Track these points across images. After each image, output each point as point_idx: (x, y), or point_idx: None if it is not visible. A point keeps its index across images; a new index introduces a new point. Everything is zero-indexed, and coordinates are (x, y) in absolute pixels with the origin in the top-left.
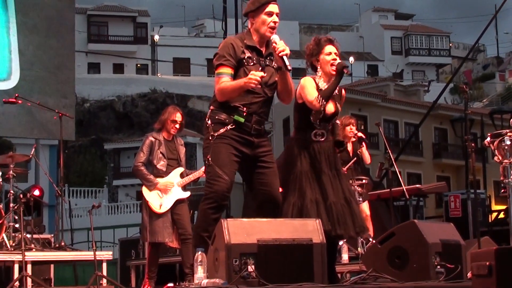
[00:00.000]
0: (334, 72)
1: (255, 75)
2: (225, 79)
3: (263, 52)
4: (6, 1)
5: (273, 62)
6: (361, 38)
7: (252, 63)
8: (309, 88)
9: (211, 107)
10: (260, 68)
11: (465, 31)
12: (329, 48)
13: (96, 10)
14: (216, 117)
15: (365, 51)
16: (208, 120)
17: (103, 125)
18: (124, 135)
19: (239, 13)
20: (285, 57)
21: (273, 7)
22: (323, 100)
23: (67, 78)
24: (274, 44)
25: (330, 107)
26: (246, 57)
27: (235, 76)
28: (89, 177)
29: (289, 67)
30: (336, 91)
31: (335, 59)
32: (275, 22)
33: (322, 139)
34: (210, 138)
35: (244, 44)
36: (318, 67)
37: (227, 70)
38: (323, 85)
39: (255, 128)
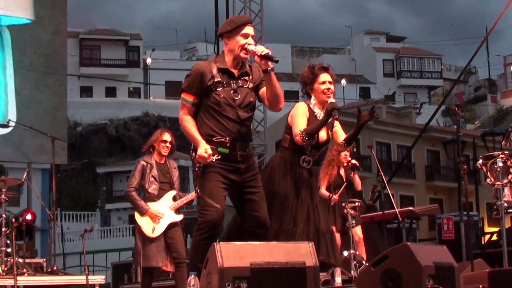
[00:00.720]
0: (327, 99)
1: (204, 157)
2: (185, 110)
3: (235, 74)
4: (2, 40)
5: (248, 82)
6: (353, 60)
7: (221, 87)
8: (299, 117)
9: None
10: (232, 91)
11: (456, 54)
12: (323, 77)
13: (88, 33)
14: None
15: (357, 74)
16: (192, 152)
17: (96, 149)
18: (116, 159)
19: None
20: (268, 55)
21: (249, 29)
22: (306, 137)
23: (59, 103)
24: (253, 49)
25: (323, 135)
26: (214, 82)
27: (204, 100)
28: (82, 201)
29: (276, 58)
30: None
31: (329, 89)
32: (249, 44)
33: (308, 166)
34: (197, 169)
35: (216, 67)
36: (312, 96)
37: (189, 98)
38: (318, 112)
39: (240, 155)
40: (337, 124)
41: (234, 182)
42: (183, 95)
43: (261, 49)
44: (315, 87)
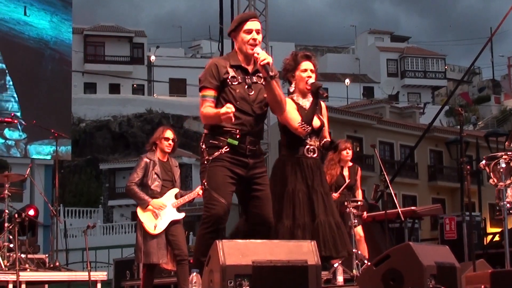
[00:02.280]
0: (308, 89)
1: (227, 108)
2: (208, 103)
3: (250, 70)
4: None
5: (262, 79)
6: (357, 60)
7: (236, 82)
8: (290, 113)
9: (205, 131)
10: (246, 86)
11: (460, 54)
12: (305, 65)
13: (93, 30)
14: (210, 141)
15: (361, 73)
16: (202, 144)
17: (99, 145)
18: (119, 155)
19: None
20: (267, 66)
21: (251, 24)
22: (307, 126)
23: (63, 99)
24: (256, 55)
25: (316, 121)
26: (230, 76)
27: (221, 96)
28: (84, 197)
29: (271, 73)
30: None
31: (310, 77)
32: (254, 39)
33: (315, 155)
34: (206, 162)
35: (229, 63)
36: (293, 83)
37: (210, 93)
38: (303, 102)
39: (249, 149)
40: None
41: (241, 177)
42: (203, 92)
43: (263, 57)
44: (296, 74)
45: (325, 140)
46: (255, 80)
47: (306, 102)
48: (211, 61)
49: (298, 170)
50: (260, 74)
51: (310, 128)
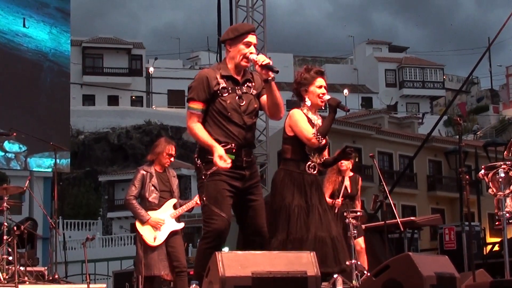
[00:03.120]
0: (321, 104)
1: (224, 164)
2: (196, 119)
3: (239, 80)
4: None
5: (251, 89)
6: (355, 70)
7: (227, 93)
8: (303, 123)
9: (199, 146)
10: (236, 97)
11: (459, 64)
12: (320, 81)
13: (91, 42)
14: (207, 156)
15: (359, 83)
16: (197, 159)
17: (98, 157)
18: (118, 167)
19: None
20: (269, 65)
21: (251, 38)
22: (321, 138)
23: (62, 111)
24: (254, 58)
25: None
26: (220, 88)
27: (211, 107)
28: (83, 209)
29: (276, 69)
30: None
31: (324, 93)
32: (251, 53)
33: (314, 172)
34: (203, 177)
35: (220, 74)
36: (306, 98)
37: (198, 106)
38: (313, 118)
39: (246, 161)
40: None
41: (238, 189)
42: (191, 104)
43: (262, 59)
44: (310, 89)
45: (325, 158)
46: (245, 91)
47: (315, 117)
48: (202, 73)
49: (297, 185)
50: (250, 84)
51: (324, 141)
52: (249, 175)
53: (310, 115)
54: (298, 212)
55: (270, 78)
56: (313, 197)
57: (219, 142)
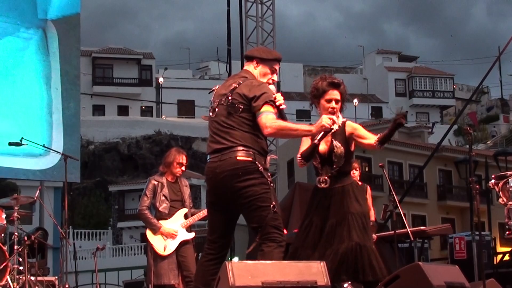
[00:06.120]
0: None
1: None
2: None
3: None
4: (47, 41)
5: None
6: (365, 80)
7: None
8: (302, 142)
9: (253, 149)
10: None
11: (469, 73)
12: (330, 94)
13: (101, 52)
14: (263, 162)
15: (369, 93)
16: (258, 164)
17: (108, 167)
18: (128, 177)
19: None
20: (282, 111)
21: (277, 67)
22: (304, 161)
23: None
24: (274, 96)
25: (322, 148)
26: None
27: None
28: (94, 219)
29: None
30: (337, 127)
31: (334, 108)
32: (273, 80)
33: (326, 185)
34: (271, 184)
35: None
36: (318, 110)
37: (273, 110)
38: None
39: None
40: (358, 127)
41: None
42: (271, 108)
43: (280, 101)
44: (321, 102)
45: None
46: None
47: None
48: (267, 84)
49: (314, 201)
50: None
51: (305, 163)
52: None
53: None
54: (313, 226)
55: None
56: (318, 214)
57: (265, 149)
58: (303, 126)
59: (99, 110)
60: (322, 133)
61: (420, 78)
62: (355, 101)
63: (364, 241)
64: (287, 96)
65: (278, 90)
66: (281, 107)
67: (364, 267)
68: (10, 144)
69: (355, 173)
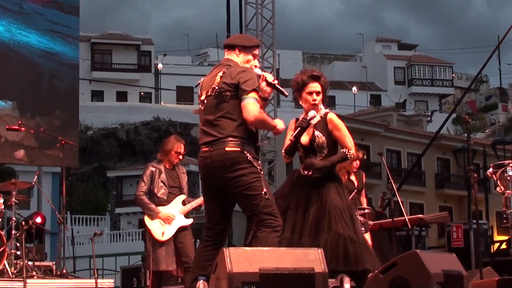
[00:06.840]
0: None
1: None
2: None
3: None
4: None
5: None
6: (364, 68)
7: None
8: (286, 136)
9: (241, 138)
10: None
11: (468, 62)
12: (311, 87)
13: (100, 38)
14: (252, 151)
15: (368, 81)
16: (246, 153)
17: (106, 153)
18: (127, 163)
19: None
20: (276, 85)
21: (257, 51)
22: (287, 155)
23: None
24: (262, 74)
25: (304, 139)
26: None
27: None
28: (92, 204)
29: (286, 94)
30: (319, 117)
31: (314, 100)
32: (256, 66)
33: (310, 173)
34: (261, 172)
35: None
36: (301, 103)
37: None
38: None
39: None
40: (339, 128)
41: None
42: (256, 95)
43: (271, 78)
44: (302, 95)
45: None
46: None
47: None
48: (252, 69)
49: (297, 187)
50: None
51: (290, 158)
52: None
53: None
54: (295, 213)
55: (270, 98)
56: (302, 200)
57: (255, 136)
58: (280, 125)
59: (97, 95)
60: (298, 129)
61: (419, 66)
62: (354, 88)
63: (348, 233)
64: (286, 84)
65: (276, 78)
66: (273, 82)
67: (347, 257)
68: (8, 129)
69: (358, 163)
